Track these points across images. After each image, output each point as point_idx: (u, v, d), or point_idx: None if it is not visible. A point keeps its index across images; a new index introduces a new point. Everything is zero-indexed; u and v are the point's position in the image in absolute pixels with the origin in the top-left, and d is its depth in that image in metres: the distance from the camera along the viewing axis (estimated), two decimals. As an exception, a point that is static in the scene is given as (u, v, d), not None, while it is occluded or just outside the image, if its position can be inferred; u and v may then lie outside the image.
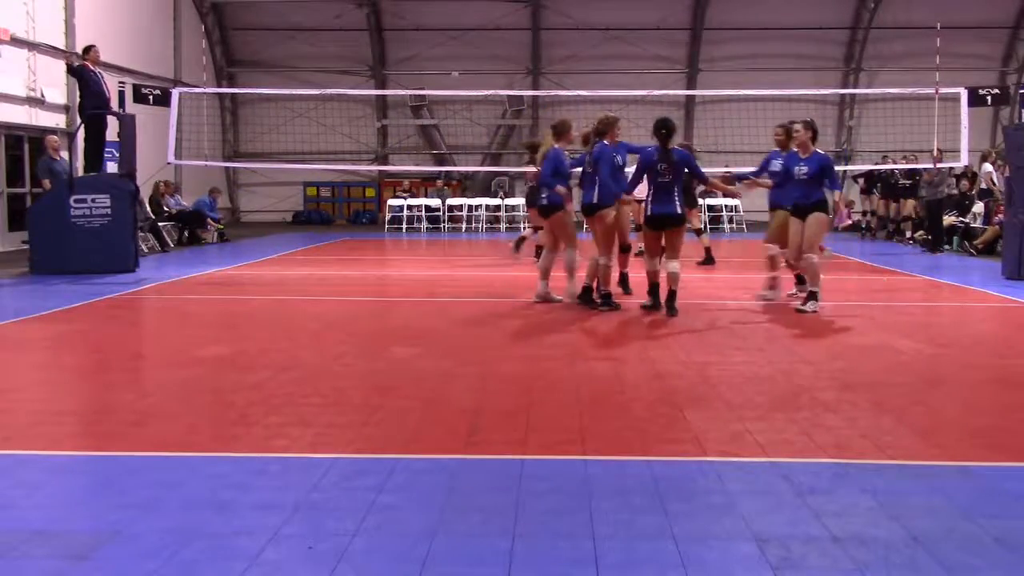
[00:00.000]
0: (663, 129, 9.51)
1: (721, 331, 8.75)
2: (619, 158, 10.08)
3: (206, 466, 4.64)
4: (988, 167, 18.53)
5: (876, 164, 22.78)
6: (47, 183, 14.86)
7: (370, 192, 29.41)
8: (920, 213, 19.30)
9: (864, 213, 22.73)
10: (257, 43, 28.23)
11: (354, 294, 12.04)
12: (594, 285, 10.04)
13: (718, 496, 4.22)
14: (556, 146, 10.17)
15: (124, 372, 7.24)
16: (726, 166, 18.66)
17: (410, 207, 25.49)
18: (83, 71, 14.60)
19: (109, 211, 13.75)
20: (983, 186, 18.58)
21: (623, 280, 11.05)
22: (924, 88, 18.66)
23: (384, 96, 27.88)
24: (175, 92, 16.61)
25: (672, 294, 9.48)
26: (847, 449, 4.92)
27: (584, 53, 27.51)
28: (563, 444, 5.00)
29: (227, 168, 27.75)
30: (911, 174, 19.91)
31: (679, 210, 9.55)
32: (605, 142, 9.90)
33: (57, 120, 19.60)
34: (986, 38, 27.27)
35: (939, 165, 17.43)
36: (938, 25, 19.47)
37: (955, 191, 18.86)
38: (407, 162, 29.13)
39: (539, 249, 12.83)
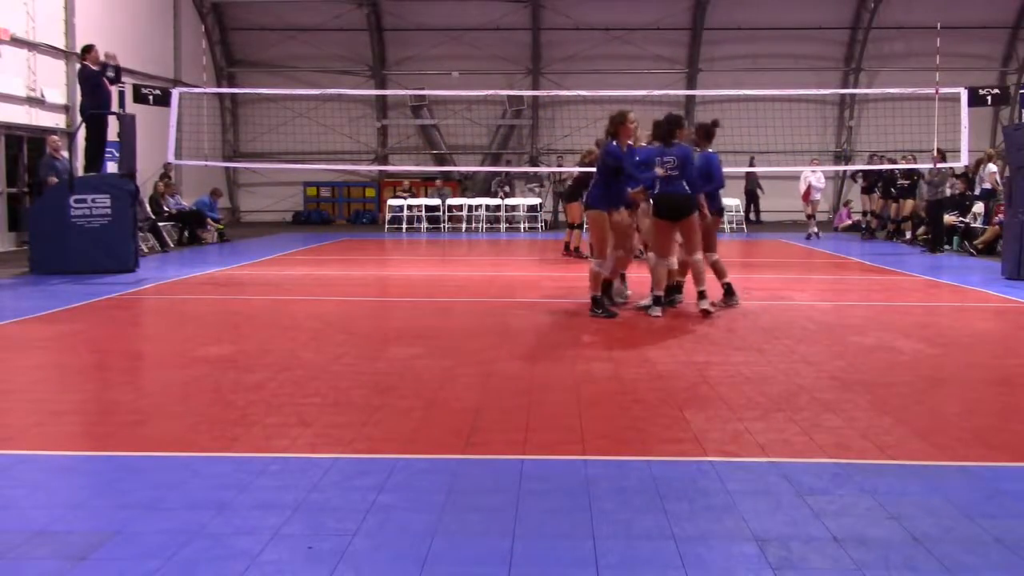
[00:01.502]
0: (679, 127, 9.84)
1: (721, 331, 8.75)
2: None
3: (206, 466, 4.63)
4: (992, 167, 18.53)
5: (866, 164, 22.82)
6: (53, 180, 14.75)
7: (370, 192, 29.40)
8: (921, 213, 19.31)
9: (864, 213, 22.73)
10: (257, 43, 28.22)
11: (354, 294, 12.04)
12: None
13: (718, 496, 4.22)
14: (614, 143, 9.43)
15: (124, 372, 7.25)
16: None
17: (410, 207, 25.50)
18: (93, 71, 14.49)
19: (109, 211, 13.75)
20: (986, 186, 18.57)
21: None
22: (924, 88, 18.66)
23: (384, 96, 27.88)
24: (175, 92, 16.60)
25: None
26: (847, 449, 4.92)
27: (584, 53, 27.51)
28: (563, 444, 5.00)
29: (227, 168, 27.75)
30: (910, 174, 19.93)
31: None
32: (613, 143, 9.38)
33: (57, 120, 19.61)
34: (986, 38, 27.27)
35: (939, 165, 17.43)
36: (938, 25, 19.48)
37: (956, 191, 18.86)
38: (407, 162, 29.13)
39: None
